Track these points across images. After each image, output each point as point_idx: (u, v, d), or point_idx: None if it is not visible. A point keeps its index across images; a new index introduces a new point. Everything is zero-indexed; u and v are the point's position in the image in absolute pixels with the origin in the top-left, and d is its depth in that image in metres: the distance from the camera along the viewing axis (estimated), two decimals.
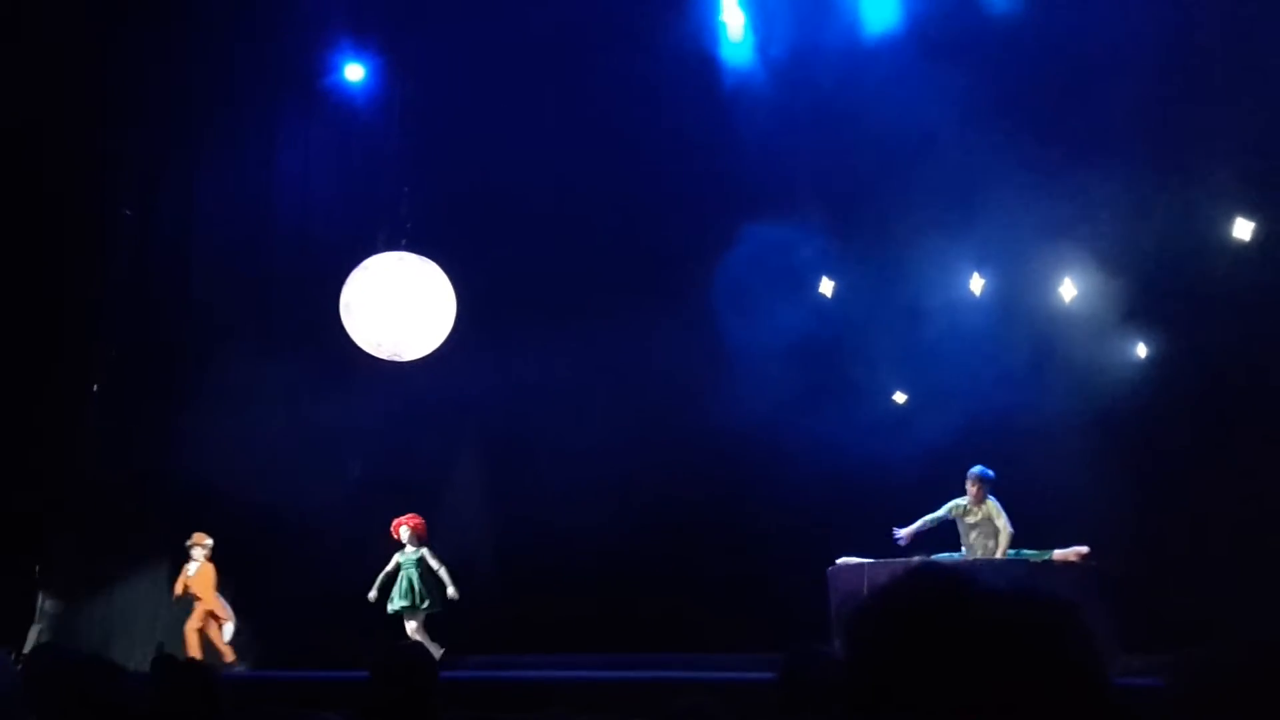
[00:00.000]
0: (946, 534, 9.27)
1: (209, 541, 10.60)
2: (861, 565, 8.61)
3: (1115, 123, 9.87)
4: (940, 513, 9.12)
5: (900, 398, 10.99)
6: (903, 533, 9.05)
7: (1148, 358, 10.23)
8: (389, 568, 10.47)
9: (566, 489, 10.72)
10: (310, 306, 11.20)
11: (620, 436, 10.99)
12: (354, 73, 12.09)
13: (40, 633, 10.53)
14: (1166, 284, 9.85)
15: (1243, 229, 9.74)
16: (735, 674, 6.91)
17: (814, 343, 10.61)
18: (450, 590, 10.30)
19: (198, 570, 10.58)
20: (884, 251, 10.72)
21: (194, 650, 10.20)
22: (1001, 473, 9.26)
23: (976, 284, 10.79)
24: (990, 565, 8.23)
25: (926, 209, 10.42)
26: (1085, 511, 9.40)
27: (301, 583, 10.69)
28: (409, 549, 10.43)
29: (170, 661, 4.44)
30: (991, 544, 8.86)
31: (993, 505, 8.91)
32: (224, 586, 10.77)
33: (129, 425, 11.43)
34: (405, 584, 10.28)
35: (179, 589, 10.66)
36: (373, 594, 10.48)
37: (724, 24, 11.37)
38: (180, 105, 11.80)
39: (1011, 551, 8.76)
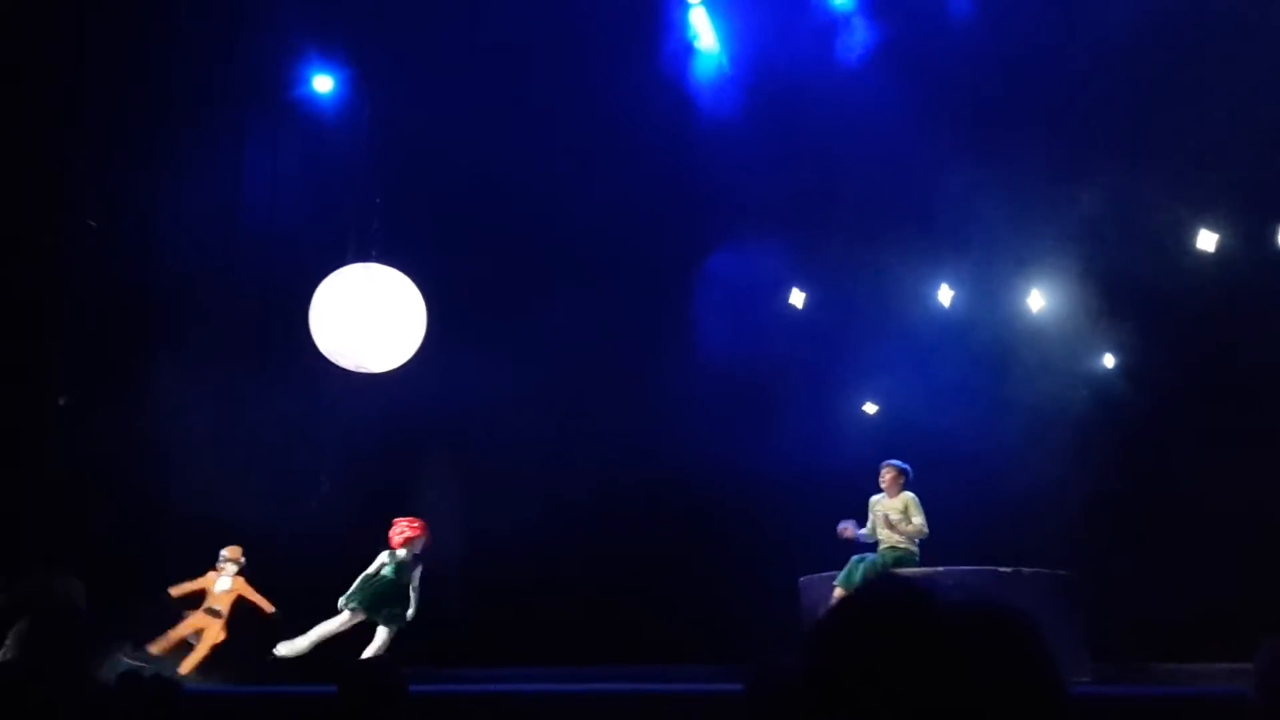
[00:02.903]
0: None
1: (242, 559, 10.27)
2: (834, 576, 8.59)
3: (1082, 136, 9.97)
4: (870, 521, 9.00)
5: (870, 409, 11.04)
6: (848, 531, 8.87)
7: (1117, 367, 10.33)
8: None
9: (535, 501, 10.69)
10: (279, 318, 11.11)
11: (590, 448, 10.98)
12: (323, 84, 12.05)
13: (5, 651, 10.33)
14: (1134, 295, 9.94)
15: (1207, 240, 9.87)
16: (705, 685, 6.87)
17: (783, 355, 10.64)
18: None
19: (231, 585, 10.17)
20: (852, 265, 10.78)
21: (169, 645, 9.75)
22: (971, 483, 9.29)
23: (945, 295, 10.86)
24: (953, 576, 8.11)
25: (894, 223, 10.48)
26: (1057, 520, 9.46)
27: (270, 596, 10.58)
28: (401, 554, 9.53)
29: (136, 677, 4.39)
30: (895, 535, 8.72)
31: (912, 500, 8.76)
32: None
33: (93, 438, 11.27)
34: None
35: (189, 589, 10.12)
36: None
37: (695, 39, 11.42)
38: (148, 116, 11.69)
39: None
